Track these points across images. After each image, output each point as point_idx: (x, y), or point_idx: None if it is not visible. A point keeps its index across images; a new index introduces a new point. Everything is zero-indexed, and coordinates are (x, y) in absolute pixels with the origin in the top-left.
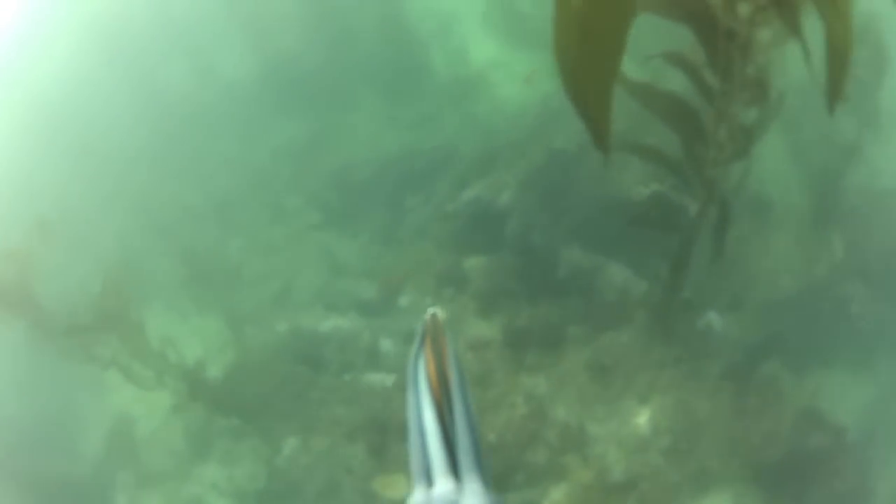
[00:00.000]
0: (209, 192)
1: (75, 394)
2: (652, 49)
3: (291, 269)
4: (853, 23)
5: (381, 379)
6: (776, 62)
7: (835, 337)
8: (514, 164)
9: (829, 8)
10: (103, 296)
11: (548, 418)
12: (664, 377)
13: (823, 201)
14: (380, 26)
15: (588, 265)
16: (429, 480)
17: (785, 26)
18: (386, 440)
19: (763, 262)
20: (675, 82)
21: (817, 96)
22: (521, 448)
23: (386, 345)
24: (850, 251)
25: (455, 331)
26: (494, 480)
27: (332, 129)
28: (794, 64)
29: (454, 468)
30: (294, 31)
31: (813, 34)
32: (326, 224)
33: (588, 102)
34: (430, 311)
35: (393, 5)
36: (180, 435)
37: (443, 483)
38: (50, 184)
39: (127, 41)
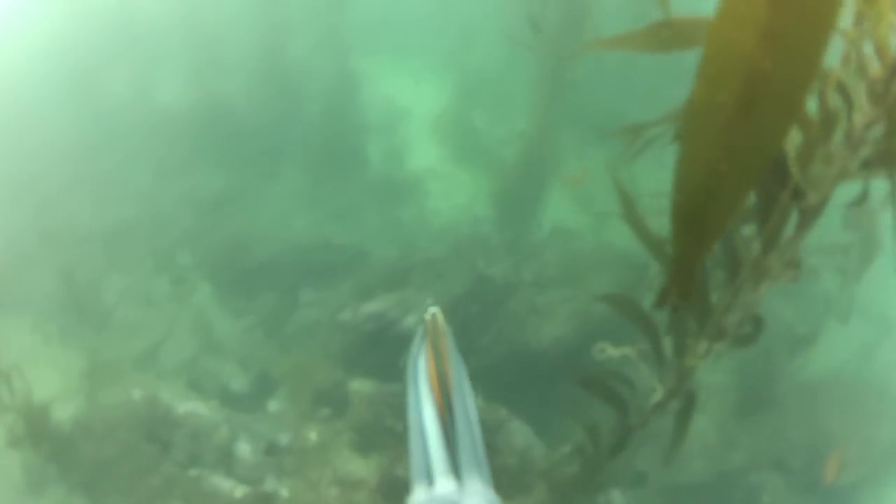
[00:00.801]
0: (107, 218)
1: None
2: None
3: (163, 329)
4: None
5: (230, 487)
6: None
7: None
8: (429, 284)
9: None
10: None
11: None
12: None
13: (755, 386)
14: (327, 100)
15: (490, 418)
16: (429, 480)
17: None
18: None
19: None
20: None
21: None
22: None
23: (243, 449)
24: (771, 440)
25: (322, 461)
26: None
27: (247, 193)
28: None
29: (454, 468)
30: (239, 79)
31: None
32: (213, 292)
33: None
34: (431, 310)
35: (347, 82)
36: (18, 468)
37: (443, 483)
38: None
39: (80, 39)
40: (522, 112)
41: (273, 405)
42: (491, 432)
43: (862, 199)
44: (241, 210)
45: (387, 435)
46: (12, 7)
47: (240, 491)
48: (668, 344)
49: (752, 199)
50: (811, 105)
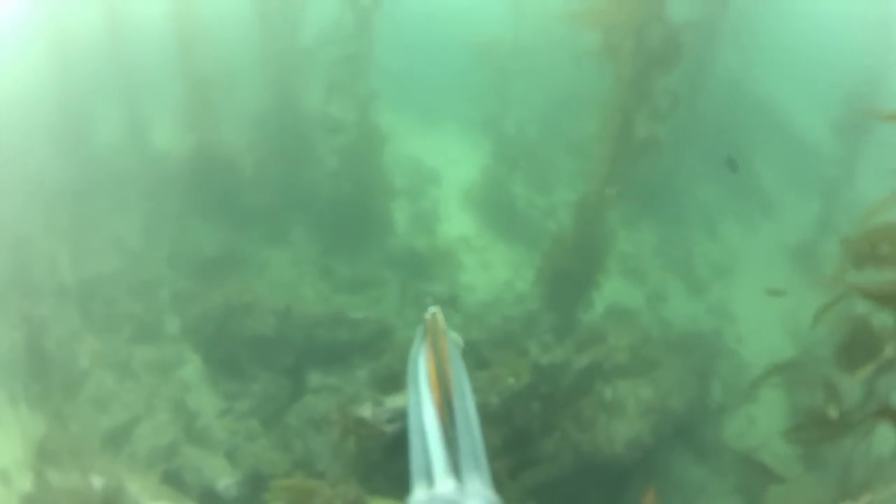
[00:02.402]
0: (86, 270)
1: None
2: None
3: (140, 406)
4: None
5: None
6: None
7: None
8: (471, 375)
9: None
10: None
11: None
12: None
13: None
14: (347, 156)
15: None
16: (429, 480)
17: None
18: None
19: None
20: None
21: None
22: None
23: None
24: None
25: None
26: None
27: (248, 254)
28: None
29: (454, 468)
30: (244, 127)
31: None
32: (201, 367)
33: None
34: (431, 310)
35: (371, 138)
36: None
37: (444, 483)
38: None
39: (70, 73)
40: (566, 181)
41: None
42: None
43: None
44: (239, 274)
45: None
46: None
47: None
48: None
49: None
50: None
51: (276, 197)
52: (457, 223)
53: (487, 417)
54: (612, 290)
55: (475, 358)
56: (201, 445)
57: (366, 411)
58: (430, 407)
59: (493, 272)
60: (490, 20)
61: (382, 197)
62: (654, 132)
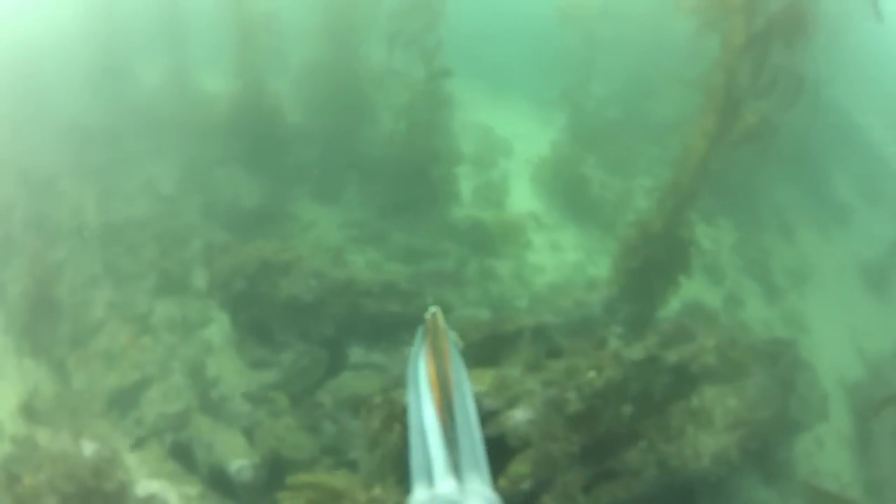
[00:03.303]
0: (112, 213)
1: None
2: None
3: (153, 367)
4: None
5: None
6: None
7: None
8: (543, 365)
9: None
10: None
11: None
12: None
13: None
14: (412, 116)
15: None
16: (430, 480)
17: None
18: None
19: None
20: None
21: None
22: None
23: None
24: None
25: None
26: None
27: (293, 212)
28: None
29: (455, 467)
30: (299, 76)
31: None
32: (228, 330)
33: None
34: (431, 310)
35: (440, 100)
36: None
37: (444, 483)
38: None
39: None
40: (644, 166)
41: None
42: None
43: None
44: (281, 232)
45: None
46: None
47: None
48: None
49: None
50: None
51: (328, 153)
52: (525, 198)
53: (565, 417)
54: (689, 287)
55: (546, 343)
56: (217, 417)
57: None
58: (430, 407)
59: (563, 254)
60: None
61: (447, 162)
62: (765, 116)
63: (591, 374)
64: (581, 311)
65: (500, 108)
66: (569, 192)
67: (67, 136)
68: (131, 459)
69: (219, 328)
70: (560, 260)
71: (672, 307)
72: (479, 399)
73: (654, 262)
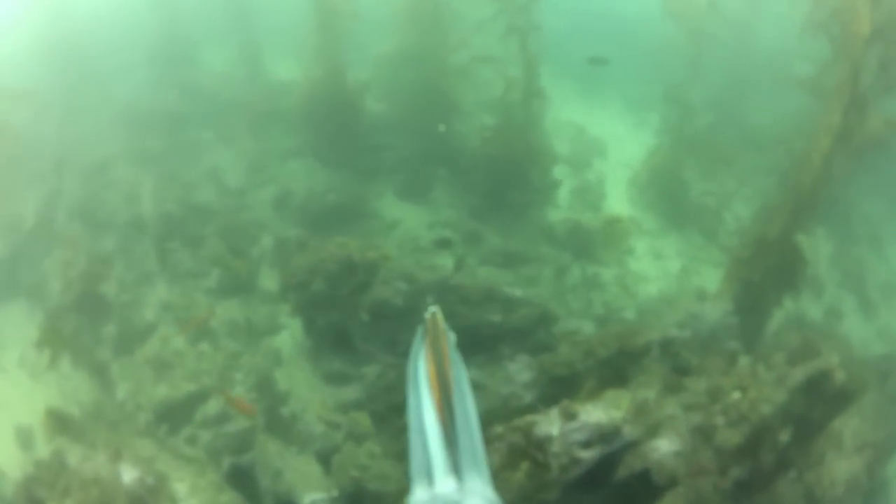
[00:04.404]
0: (178, 199)
1: None
2: None
3: (212, 376)
4: None
5: None
6: None
7: None
8: (682, 387)
9: None
10: None
11: None
12: None
13: None
14: (504, 113)
15: None
16: (429, 480)
17: None
18: None
19: None
20: None
21: None
22: None
23: None
24: None
25: None
26: None
27: (377, 208)
28: None
29: (454, 467)
30: (386, 65)
31: None
32: (303, 338)
33: None
34: (430, 310)
35: (532, 97)
36: None
37: (444, 482)
38: None
39: None
40: (745, 174)
41: None
42: None
43: None
44: (362, 229)
45: None
46: None
47: None
48: None
49: None
50: None
51: (415, 148)
52: (624, 202)
53: (714, 447)
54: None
55: (673, 359)
56: (286, 439)
57: (551, 426)
58: (429, 407)
59: (666, 262)
60: None
61: (542, 162)
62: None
63: (736, 395)
64: (699, 325)
65: (593, 108)
66: (667, 197)
67: (126, 121)
68: (180, 487)
69: (290, 336)
70: (663, 268)
71: (777, 320)
72: (617, 427)
73: (769, 273)
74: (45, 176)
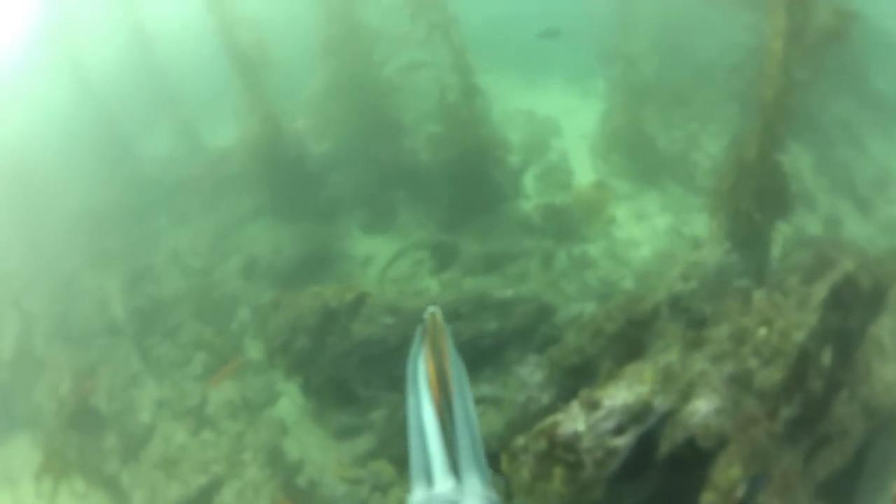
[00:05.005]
0: (138, 299)
1: None
2: None
3: (221, 464)
4: None
5: None
6: None
7: None
8: (698, 343)
9: None
10: None
11: None
12: None
13: None
14: (448, 116)
15: None
16: (429, 479)
17: None
18: None
19: None
20: None
21: None
22: None
23: None
24: None
25: None
26: None
27: (343, 253)
28: None
29: (454, 467)
30: (316, 105)
31: None
32: (300, 403)
33: None
34: (430, 310)
35: (472, 96)
36: None
37: (443, 482)
38: None
39: None
40: (702, 110)
41: None
42: None
43: None
44: (337, 273)
45: None
46: None
47: None
48: None
49: None
50: None
51: (369, 177)
52: (594, 173)
53: (757, 391)
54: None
55: (686, 314)
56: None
57: (575, 421)
58: (429, 406)
59: (651, 221)
60: None
61: (500, 156)
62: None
63: (762, 331)
64: (702, 272)
65: (536, 90)
66: (634, 155)
67: (82, 227)
68: None
69: (289, 401)
70: (650, 228)
71: (778, 245)
72: (647, 403)
73: (757, 200)
74: (16, 302)
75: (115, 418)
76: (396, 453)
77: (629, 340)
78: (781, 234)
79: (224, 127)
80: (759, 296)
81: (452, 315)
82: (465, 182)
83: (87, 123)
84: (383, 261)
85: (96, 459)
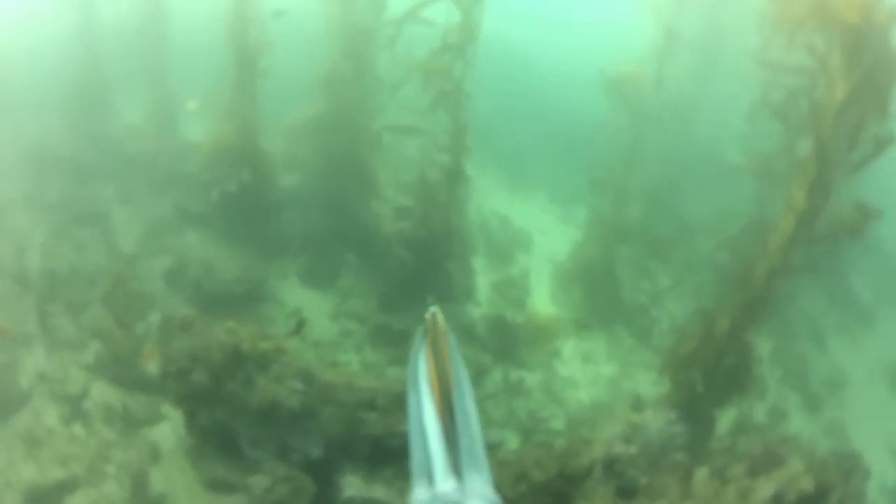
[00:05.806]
0: (56, 261)
1: None
2: None
3: (82, 465)
4: None
5: None
6: None
7: None
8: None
9: None
10: None
11: None
12: None
13: None
14: (422, 195)
15: None
16: (430, 480)
17: None
18: None
19: None
20: None
21: None
22: None
23: None
24: None
25: None
26: None
27: (273, 296)
28: None
29: (455, 467)
30: (298, 136)
31: None
32: (181, 437)
33: None
34: (430, 310)
35: (455, 179)
36: None
37: (444, 482)
38: None
39: None
40: (676, 269)
41: None
42: None
43: None
44: (259, 314)
45: None
46: None
47: None
48: None
49: None
50: None
51: (326, 227)
52: (549, 300)
53: None
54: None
55: (617, 479)
56: None
57: None
58: (430, 407)
59: (596, 366)
60: (631, 46)
61: (463, 253)
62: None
63: None
64: (644, 437)
65: (517, 198)
66: (596, 294)
67: (30, 164)
68: None
69: (170, 429)
70: (594, 373)
71: (722, 425)
72: None
73: (713, 375)
74: None
75: None
76: None
77: (556, 494)
78: (727, 415)
79: (203, 118)
80: (700, 478)
81: (367, 404)
82: (419, 267)
83: (73, 66)
84: (312, 317)
85: None
